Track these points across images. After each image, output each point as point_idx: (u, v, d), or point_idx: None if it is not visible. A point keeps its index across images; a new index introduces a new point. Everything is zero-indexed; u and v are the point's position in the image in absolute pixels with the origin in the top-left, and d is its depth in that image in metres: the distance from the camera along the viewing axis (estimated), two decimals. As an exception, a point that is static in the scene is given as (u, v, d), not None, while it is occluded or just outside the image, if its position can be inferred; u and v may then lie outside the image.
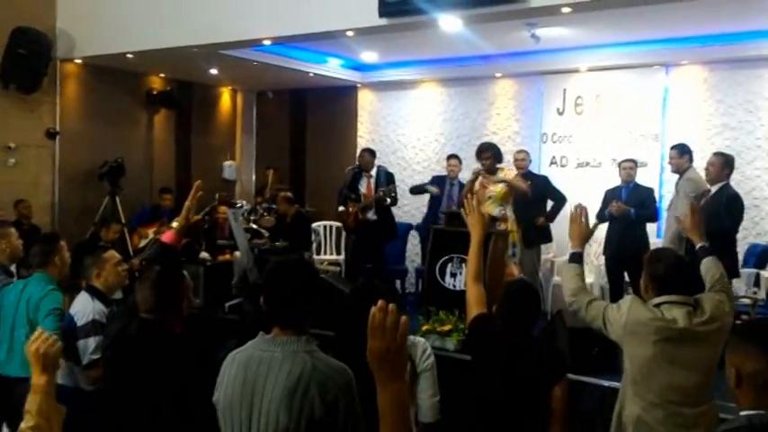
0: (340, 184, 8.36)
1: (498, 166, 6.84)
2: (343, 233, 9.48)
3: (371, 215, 7.95)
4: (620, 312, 3.15)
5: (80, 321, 3.72)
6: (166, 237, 3.17)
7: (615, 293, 6.98)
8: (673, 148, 6.61)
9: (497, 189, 6.67)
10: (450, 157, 8.29)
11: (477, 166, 6.90)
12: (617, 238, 6.85)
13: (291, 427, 2.15)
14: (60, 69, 8.87)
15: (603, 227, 7.25)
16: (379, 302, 1.66)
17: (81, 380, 3.75)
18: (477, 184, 6.79)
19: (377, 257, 8.11)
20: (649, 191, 7.00)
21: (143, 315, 2.78)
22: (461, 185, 8.08)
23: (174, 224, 3.46)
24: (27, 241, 6.57)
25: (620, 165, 7.11)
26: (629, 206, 6.73)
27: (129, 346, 2.78)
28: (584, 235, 3.49)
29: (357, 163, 8.36)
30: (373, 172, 8.12)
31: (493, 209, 6.63)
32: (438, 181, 8.25)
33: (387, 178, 8.11)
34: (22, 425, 2.06)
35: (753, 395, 1.95)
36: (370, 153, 8.24)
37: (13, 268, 4.71)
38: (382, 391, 1.69)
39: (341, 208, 8.09)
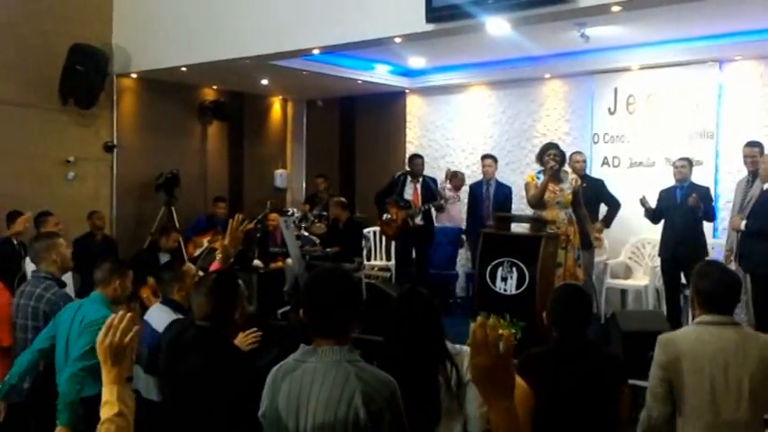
0: (381, 189, 8.46)
1: (565, 169, 6.76)
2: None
3: (419, 221, 7.99)
4: (657, 361, 3.03)
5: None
6: (213, 267, 3.26)
7: (671, 296, 6.86)
8: (753, 145, 6.44)
9: (566, 194, 6.60)
10: (485, 157, 8.24)
11: (529, 168, 6.82)
12: (673, 238, 6.72)
13: None
14: (117, 84, 9.11)
15: (657, 228, 7.14)
16: (478, 319, 1.60)
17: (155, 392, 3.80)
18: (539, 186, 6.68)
19: (420, 262, 8.15)
20: (706, 190, 6.85)
21: (198, 322, 2.82)
22: (498, 185, 8.06)
23: (218, 256, 3.52)
24: (99, 251, 6.81)
25: (674, 164, 6.99)
26: (685, 207, 6.59)
27: (184, 353, 2.83)
28: None
29: (407, 169, 8.40)
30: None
31: (558, 214, 6.55)
32: (475, 187, 8.21)
33: (434, 185, 8.15)
34: (105, 415, 2.10)
35: None
36: (422, 159, 8.29)
37: (67, 278, 4.79)
38: (493, 410, 1.64)
39: (386, 216, 8.10)
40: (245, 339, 3.52)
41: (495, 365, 1.59)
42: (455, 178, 9.06)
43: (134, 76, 9.19)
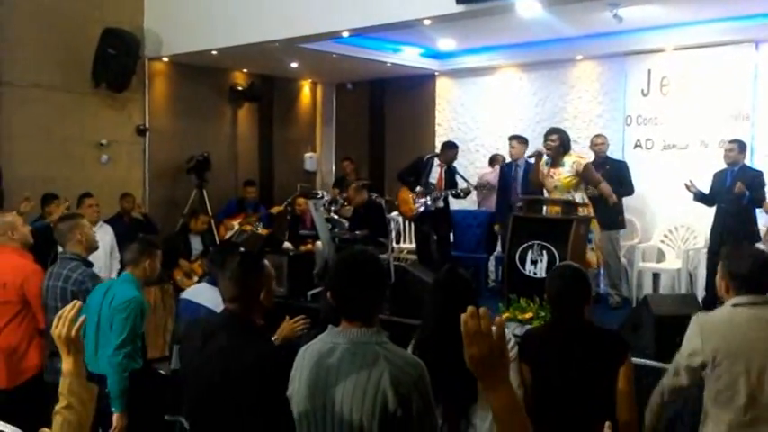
0: (405, 168, 8.52)
1: (571, 153, 6.71)
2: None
3: (440, 203, 8.01)
4: (689, 338, 2.98)
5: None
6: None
7: (712, 283, 6.72)
8: None
9: (562, 178, 6.55)
10: (511, 138, 8.17)
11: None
12: (721, 223, 6.59)
13: (366, 420, 2.15)
14: (148, 68, 9.19)
15: (691, 212, 7.05)
16: (469, 309, 1.61)
17: None
18: (542, 171, 6.68)
19: (442, 244, 8.17)
20: (757, 173, 6.67)
21: (226, 305, 2.84)
22: (528, 166, 8.00)
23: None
24: (127, 234, 6.90)
25: (723, 147, 6.85)
26: (734, 191, 6.46)
27: (210, 336, 2.84)
28: None
29: (437, 153, 8.39)
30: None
31: (559, 196, 6.52)
32: (505, 168, 8.16)
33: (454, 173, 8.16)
34: (57, 406, 2.12)
35: None
36: (457, 149, 8.30)
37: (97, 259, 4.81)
38: (493, 397, 1.65)
39: (418, 188, 8.12)
40: (294, 325, 3.53)
41: (490, 354, 1.60)
42: (495, 161, 9.03)
43: (165, 59, 9.25)
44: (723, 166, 6.83)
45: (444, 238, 8.29)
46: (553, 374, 3.00)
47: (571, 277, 3.13)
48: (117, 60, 8.44)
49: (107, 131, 8.85)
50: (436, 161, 8.25)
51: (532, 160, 6.90)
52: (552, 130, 6.73)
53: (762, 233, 6.49)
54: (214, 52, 8.59)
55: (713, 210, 6.82)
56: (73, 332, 2.14)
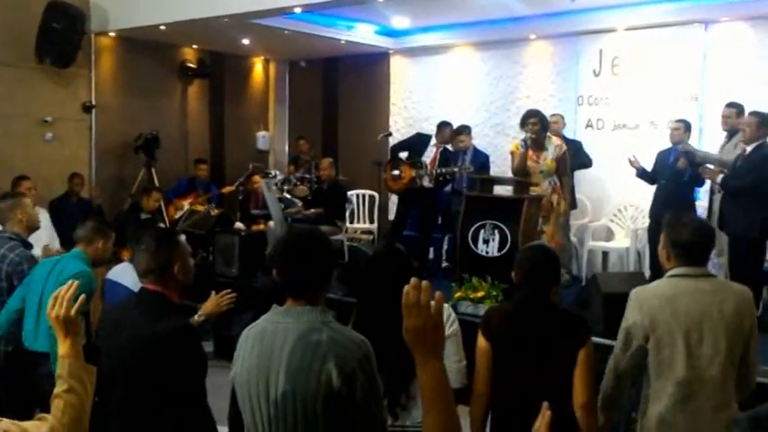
0: (400, 142, 8.47)
1: (547, 135, 6.72)
2: (377, 202, 9.49)
3: (427, 183, 7.96)
4: (628, 314, 3.01)
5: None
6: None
7: (656, 259, 6.84)
8: (731, 105, 6.45)
9: (548, 162, 6.57)
10: (457, 132, 8.14)
11: (513, 130, 6.80)
12: (662, 200, 6.66)
13: (309, 400, 2.13)
14: (95, 43, 8.96)
15: (639, 191, 7.15)
16: (412, 280, 1.63)
17: None
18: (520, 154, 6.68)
19: (425, 225, 8.13)
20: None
21: (141, 281, 2.78)
22: (475, 154, 8.02)
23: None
24: (74, 215, 6.72)
25: (669, 126, 6.94)
26: (676, 169, 6.56)
27: (126, 314, 2.78)
28: None
29: (435, 134, 8.30)
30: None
31: (542, 181, 6.55)
32: (448, 155, 8.12)
33: (454, 158, 8.08)
34: (56, 390, 2.07)
35: None
36: (450, 127, 8.21)
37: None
38: (423, 371, 1.67)
39: (395, 171, 8.06)
40: (219, 300, 3.48)
41: (425, 326, 1.63)
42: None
43: (112, 34, 9.03)
44: (668, 145, 6.92)
45: (429, 218, 8.24)
46: (515, 353, 3.00)
47: (543, 257, 3.13)
48: (62, 35, 8.21)
49: (52, 108, 8.60)
50: (433, 140, 8.21)
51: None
52: (531, 113, 6.72)
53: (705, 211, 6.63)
54: (162, 27, 8.38)
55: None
56: (72, 312, 2.11)
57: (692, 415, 2.88)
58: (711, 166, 6.16)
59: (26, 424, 1.97)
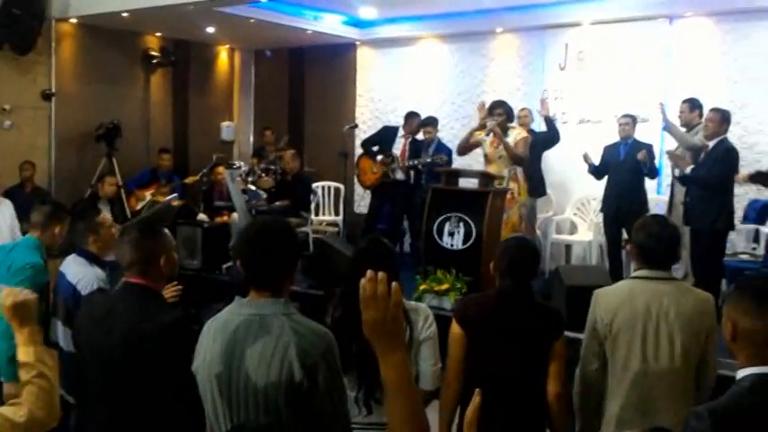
0: (370, 136, 8.51)
1: (510, 125, 6.77)
2: (343, 194, 9.45)
3: (400, 175, 7.95)
4: (591, 316, 3.07)
5: (85, 290, 3.61)
6: None
7: (612, 251, 6.96)
8: (685, 101, 6.58)
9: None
10: (424, 124, 8.16)
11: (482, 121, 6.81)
12: (615, 194, 6.82)
13: (272, 392, 2.10)
14: (55, 29, 8.75)
15: (602, 185, 7.22)
16: (368, 273, 1.61)
17: None
18: (487, 143, 6.71)
19: (395, 217, 8.13)
20: (648, 147, 6.90)
21: (125, 274, 2.73)
22: (438, 147, 8.03)
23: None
24: (28, 203, 6.56)
25: (618, 121, 7.03)
26: (628, 163, 6.68)
27: (109, 311, 2.72)
28: None
29: (403, 124, 8.29)
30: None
31: (502, 169, 6.57)
32: (417, 146, 8.13)
33: (425, 147, 8.05)
34: (25, 377, 2.06)
35: (749, 352, 1.95)
36: (418, 117, 8.18)
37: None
38: (384, 363, 1.64)
39: (379, 157, 8.04)
40: (165, 293, 3.40)
41: (384, 319, 1.60)
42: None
43: (73, 21, 8.84)
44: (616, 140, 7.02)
45: (400, 211, 8.23)
46: (491, 343, 3.01)
47: (526, 249, 3.14)
48: (21, 21, 8.04)
49: (10, 96, 8.38)
50: (401, 132, 8.18)
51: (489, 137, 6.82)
52: (497, 104, 6.80)
53: (665, 205, 6.74)
54: (125, 14, 8.22)
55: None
56: (22, 298, 2.09)
57: (648, 414, 2.91)
58: (685, 157, 6.22)
59: (2, 409, 1.98)
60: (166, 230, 2.84)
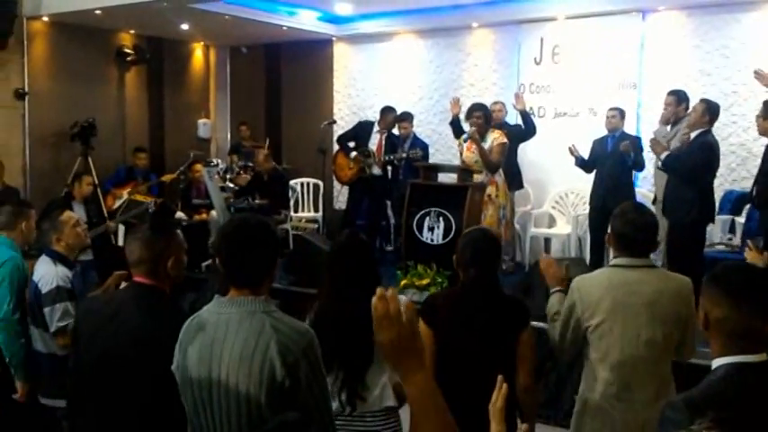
0: (345, 132, 8.49)
1: (493, 129, 6.79)
2: (322, 190, 9.44)
3: (376, 170, 7.95)
4: (568, 303, 3.08)
5: (44, 288, 3.65)
6: None
7: (596, 244, 6.94)
8: (671, 93, 6.50)
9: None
10: (400, 119, 8.16)
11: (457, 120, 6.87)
12: (602, 187, 6.77)
13: (252, 391, 2.09)
14: (27, 27, 8.65)
15: (580, 178, 7.28)
16: (378, 290, 1.52)
17: (53, 346, 3.70)
18: (465, 148, 6.75)
19: (374, 213, 8.13)
20: (636, 139, 6.91)
21: (132, 272, 2.69)
22: (414, 142, 8.05)
23: None
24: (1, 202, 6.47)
25: (606, 114, 7.03)
26: (615, 156, 6.64)
27: (115, 313, 2.69)
28: (561, 277, 3.35)
29: (378, 119, 8.27)
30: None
31: (478, 174, 6.61)
32: (393, 140, 8.14)
33: (402, 142, 8.04)
34: None
35: (721, 342, 1.96)
36: (394, 112, 8.15)
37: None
38: (407, 383, 1.53)
39: (353, 153, 8.04)
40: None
41: (400, 337, 1.51)
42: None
43: (45, 19, 8.73)
44: (605, 133, 7.03)
45: (378, 206, 8.24)
46: (459, 336, 2.99)
47: (485, 239, 3.12)
48: (-9, 19, 7.90)
49: (-18, 95, 8.29)
50: (376, 127, 8.17)
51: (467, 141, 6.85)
52: (475, 107, 6.81)
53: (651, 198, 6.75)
54: (98, 12, 8.14)
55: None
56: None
57: (628, 403, 2.93)
58: (661, 140, 6.19)
59: None
60: (179, 231, 2.81)
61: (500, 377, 1.71)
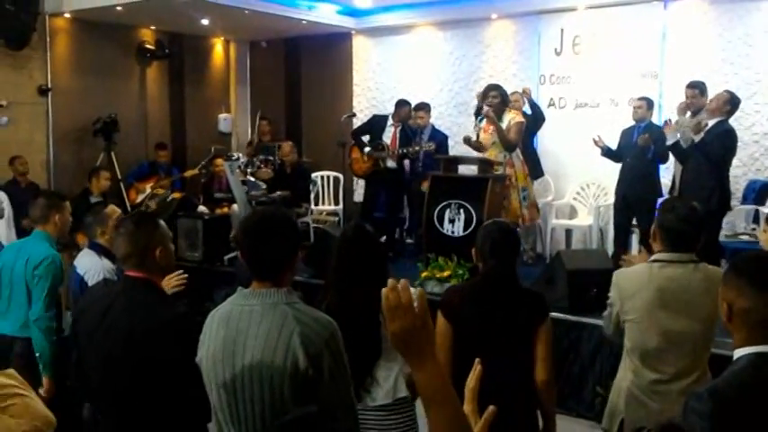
0: (359, 126, 8.48)
1: (510, 109, 6.79)
2: (342, 183, 9.47)
3: (391, 163, 7.96)
4: (611, 297, 3.14)
5: (91, 281, 3.68)
6: None
7: (620, 235, 6.88)
8: (693, 86, 6.36)
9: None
10: (417, 108, 8.16)
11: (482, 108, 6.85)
12: (627, 178, 6.71)
13: (276, 383, 2.11)
14: (50, 24, 8.73)
15: (601, 169, 7.24)
16: (390, 281, 1.51)
17: None
18: (481, 130, 6.74)
19: (390, 206, 8.15)
20: (660, 129, 6.84)
21: (123, 267, 2.74)
22: (432, 133, 8.05)
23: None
24: (26, 199, 6.57)
25: (633, 104, 6.96)
26: (640, 147, 6.55)
27: (109, 305, 2.74)
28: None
29: (393, 112, 8.27)
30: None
31: (496, 153, 6.59)
32: (408, 133, 8.13)
33: (413, 135, 8.03)
34: None
35: (745, 332, 1.95)
36: (409, 106, 8.16)
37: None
38: (419, 374, 1.54)
39: (367, 149, 8.06)
40: (168, 282, 3.41)
41: (413, 327, 1.50)
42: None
43: (67, 15, 8.81)
44: (632, 123, 6.98)
45: (395, 199, 8.25)
46: (478, 329, 2.99)
47: (504, 231, 3.12)
48: (15, 16, 8.03)
49: (6, 92, 8.36)
50: (390, 120, 8.19)
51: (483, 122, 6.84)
52: (491, 87, 6.80)
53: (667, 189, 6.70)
54: (119, 8, 8.21)
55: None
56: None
57: (663, 396, 2.94)
58: (674, 123, 6.12)
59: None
60: (162, 222, 2.85)
61: (477, 360, 1.71)
